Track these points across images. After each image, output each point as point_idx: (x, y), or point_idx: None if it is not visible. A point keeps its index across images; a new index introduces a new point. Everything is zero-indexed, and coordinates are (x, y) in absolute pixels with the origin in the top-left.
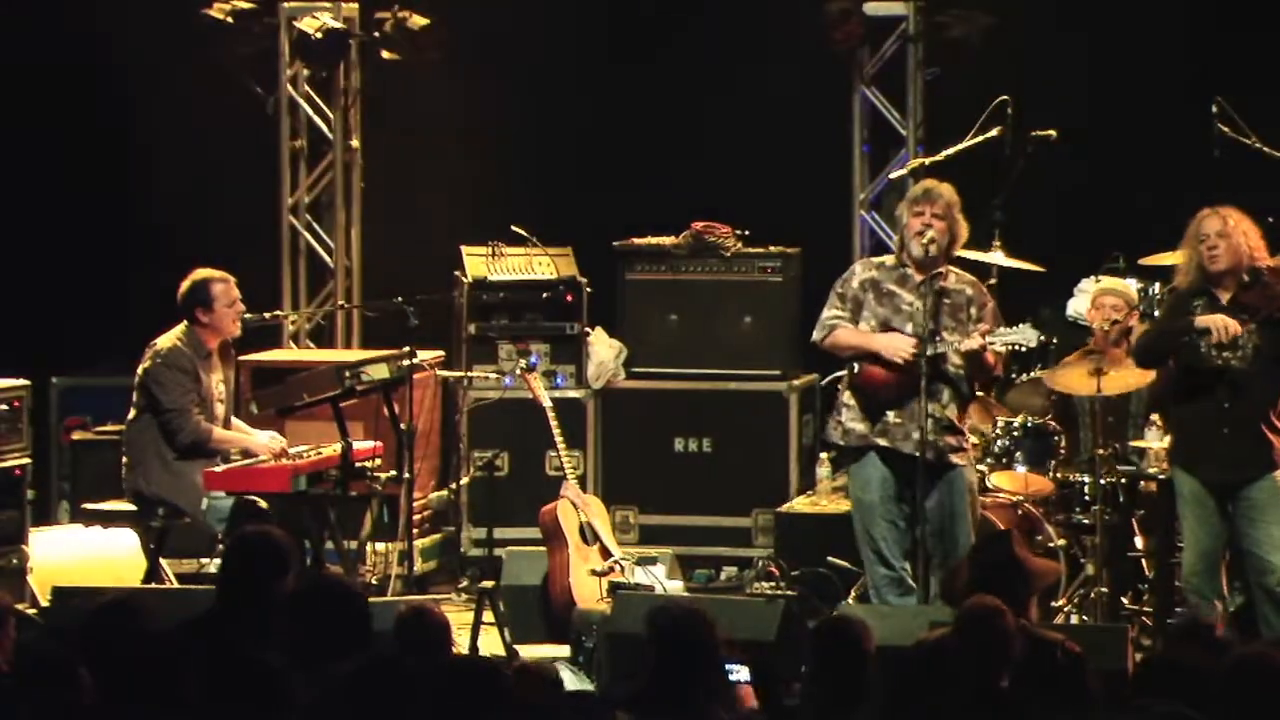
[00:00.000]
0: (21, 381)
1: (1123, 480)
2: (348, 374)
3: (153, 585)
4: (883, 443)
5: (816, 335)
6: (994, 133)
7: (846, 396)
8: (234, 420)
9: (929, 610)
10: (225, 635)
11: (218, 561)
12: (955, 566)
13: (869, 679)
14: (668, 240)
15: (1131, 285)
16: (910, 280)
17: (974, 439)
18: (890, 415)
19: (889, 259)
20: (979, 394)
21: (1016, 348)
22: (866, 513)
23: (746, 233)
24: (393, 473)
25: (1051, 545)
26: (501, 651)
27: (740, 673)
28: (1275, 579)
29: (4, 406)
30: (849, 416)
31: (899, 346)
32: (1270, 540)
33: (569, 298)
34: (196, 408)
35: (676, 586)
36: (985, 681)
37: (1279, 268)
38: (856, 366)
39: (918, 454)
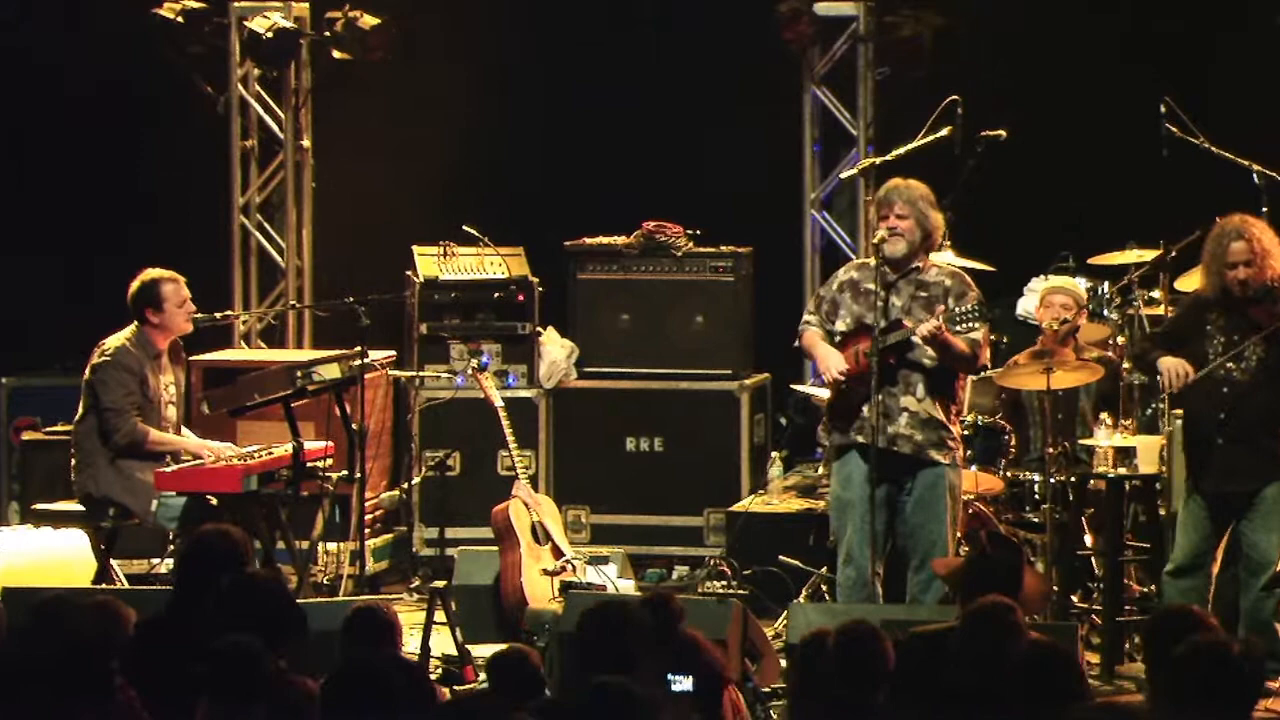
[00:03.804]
0: None
1: (1072, 479)
2: (299, 374)
3: (103, 586)
4: (860, 439)
5: (797, 341)
6: (944, 132)
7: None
8: (184, 430)
9: (882, 609)
10: (184, 633)
11: (169, 562)
12: (959, 561)
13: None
14: (619, 240)
15: (1080, 284)
16: (887, 278)
17: None
18: (865, 411)
19: (874, 259)
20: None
21: (970, 325)
22: (844, 510)
23: (698, 232)
24: (344, 472)
25: None
26: (453, 651)
27: (684, 683)
28: (1263, 582)
29: None
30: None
31: (829, 365)
32: (1269, 544)
33: (520, 297)
34: (136, 409)
35: (628, 586)
36: (988, 680)
37: None
38: None
39: (894, 448)
